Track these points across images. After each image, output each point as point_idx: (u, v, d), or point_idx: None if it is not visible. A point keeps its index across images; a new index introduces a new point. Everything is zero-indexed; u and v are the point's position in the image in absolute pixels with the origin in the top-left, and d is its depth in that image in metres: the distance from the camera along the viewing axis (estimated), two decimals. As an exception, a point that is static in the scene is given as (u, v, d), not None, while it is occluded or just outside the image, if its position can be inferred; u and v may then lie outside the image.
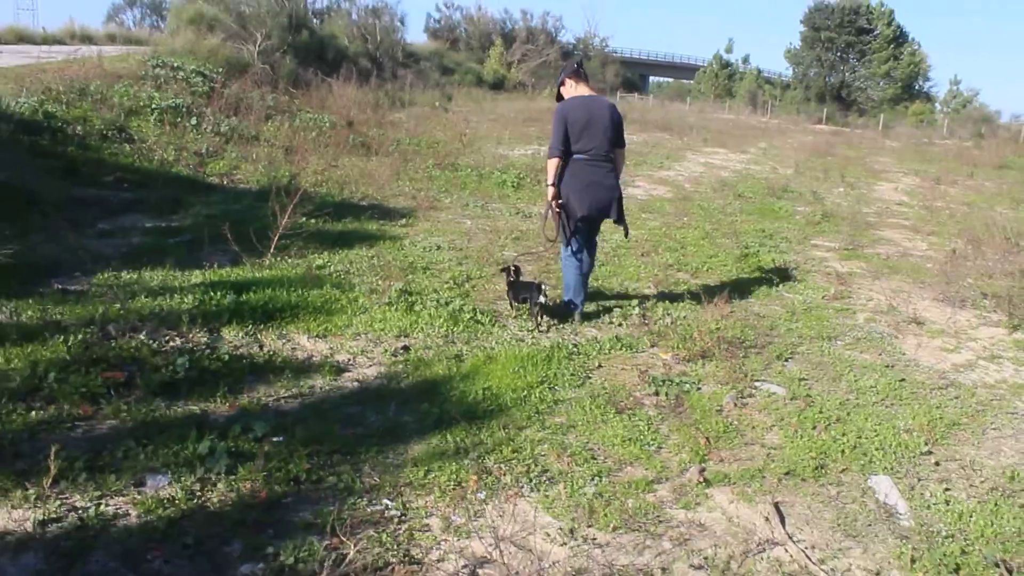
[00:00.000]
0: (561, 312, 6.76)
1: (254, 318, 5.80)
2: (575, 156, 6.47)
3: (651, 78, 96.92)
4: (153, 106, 13.42)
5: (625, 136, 6.78)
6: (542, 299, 6.38)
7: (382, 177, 12.35)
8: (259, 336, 5.59)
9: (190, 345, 5.18)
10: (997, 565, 3.60)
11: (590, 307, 6.98)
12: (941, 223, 13.61)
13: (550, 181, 6.53)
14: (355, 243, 8.32)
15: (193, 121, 13.52)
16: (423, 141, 16.89)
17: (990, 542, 3.86)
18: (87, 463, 3.69)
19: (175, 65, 16.65)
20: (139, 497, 3.50)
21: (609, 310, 7.00)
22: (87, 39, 26.18)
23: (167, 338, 5.25)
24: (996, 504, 4.22)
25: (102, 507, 3.41)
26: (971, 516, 4.09)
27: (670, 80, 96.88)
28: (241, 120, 14.67)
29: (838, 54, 65.51)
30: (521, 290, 6.55)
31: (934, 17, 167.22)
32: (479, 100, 33.15)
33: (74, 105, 12.23)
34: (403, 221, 9.81)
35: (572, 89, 6.70)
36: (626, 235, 7.27)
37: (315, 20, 37.57)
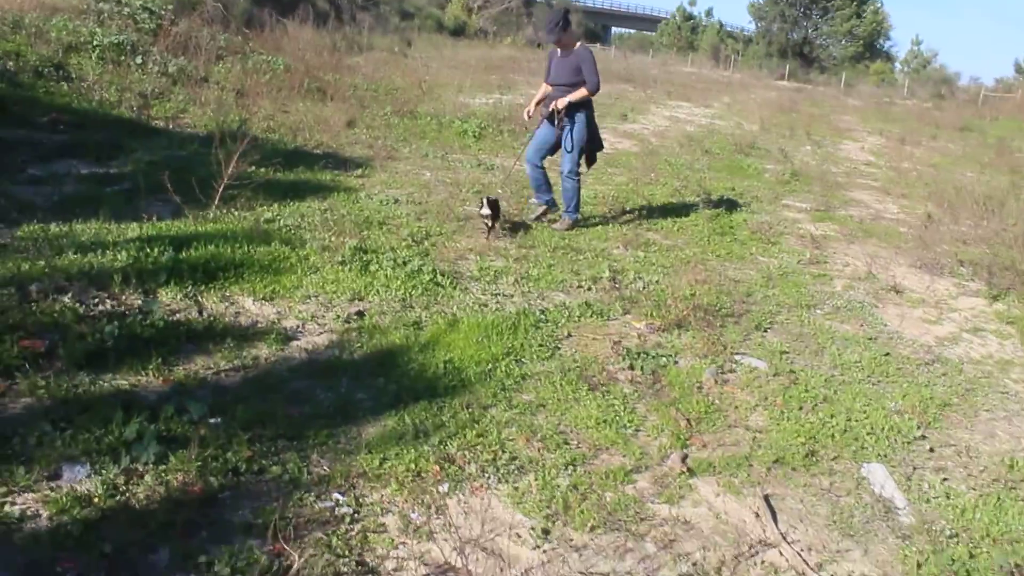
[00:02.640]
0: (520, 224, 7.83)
1: (194, 278, 5.27)
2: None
3: (613, 29, 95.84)
4: (95, 43, 12.57)
5: None
6: (486, 211, 7.13)
7: (338, 124, 11.74)
8: (199, 298, 5.08)
9: (121, 309, 4.67)
10: (1012, 573, 3.28)
11: (560, 271, 6.59)
12: (910, 185, 13.35)
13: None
14: (307, 195, 7.78)
15: (138, 60, 12.72)
16: (381, 87, 16.24)
17: (997, 542, 3.55)
18: (-8, 452, 3.22)
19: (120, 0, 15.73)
20: (52, 494, 3.03)
21: (577, 272, 6.60)
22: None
23: (96, 300, 4.73)
24: (999, 498, 3.91)
25: (7, 507, 2.93)
26: (974, 512, 3.78)
27: (632, 32, 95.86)
28: (190, 60, 13.84)
29: (801, 10, 65.03)
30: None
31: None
32: (439, 46, 32.18)
33: (6, 38, 11.41)
34: (359, 172, 9.27)
35: (573, 38, 7.78)
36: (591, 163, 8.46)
37: (271, -42, 36.31)
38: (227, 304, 5.09)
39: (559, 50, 7.71)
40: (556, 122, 7.68)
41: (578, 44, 7.76)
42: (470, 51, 31.36)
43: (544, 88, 7.94)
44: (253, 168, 7.64)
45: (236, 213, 6.81)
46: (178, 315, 4.77)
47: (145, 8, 15.68)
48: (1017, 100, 34.97)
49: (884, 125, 23.94)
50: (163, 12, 15.93)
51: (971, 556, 3.41)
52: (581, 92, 7.57)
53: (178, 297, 5.02)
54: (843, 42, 64.28)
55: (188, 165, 7.88)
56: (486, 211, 7.14)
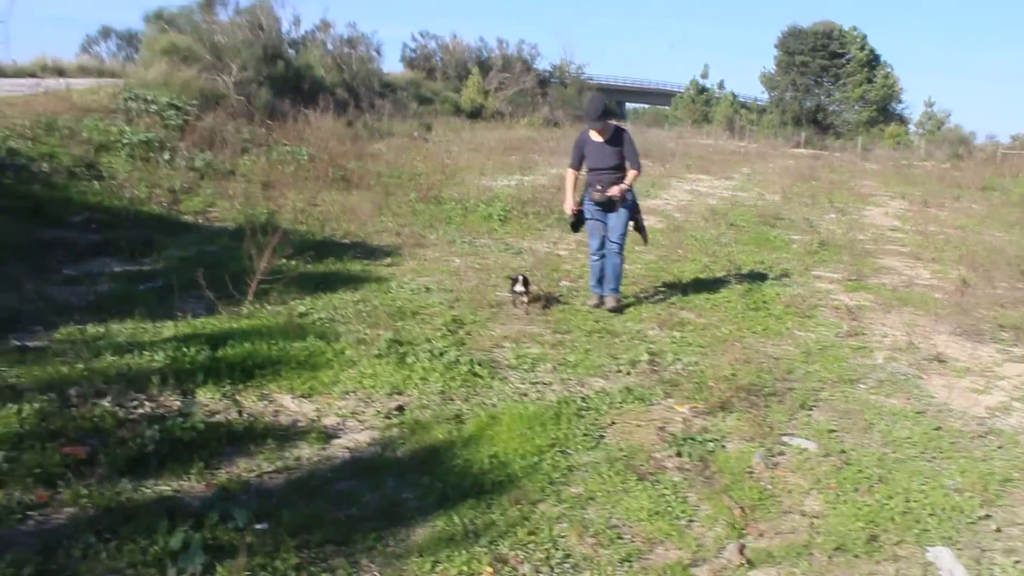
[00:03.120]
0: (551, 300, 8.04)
1: (232, 376, 5.25)
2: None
3: (627, 105, 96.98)
4: (124, 140, 12.89)
5: None
6: (519, 287, 7.56)
7: (364, 212, 11.84)
8: (238, 397, 5.05)
9: (161, 411, 4.64)
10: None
11: (598, 356, 6.52)
12: (939, 249, 13.25)
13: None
14: (339, 286, 7.79)
15: (166, 156, 12.99)
16: (404, 173, 16.41)
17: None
18: (37, 568, 3.13)
19: (148, 98, 16.06)
20: (98, 613, 2.97)
21: (615, 356, 6.52)
22: (58, 71, 25.41)
23: (135, 403, 4.72)
24: (1077, 582, 3.75)
25: (53, 628, 2.86)
26: (1052, 599, 3.62)
27: (646, 106, 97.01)
28: (216, 154, 14.13)
29: (812, 78, 65.58)
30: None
31: (905, 39, 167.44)
32: (458, 129, 32.63)
33: (40, 141, 11.69)
34: (388, 260, 9.30)
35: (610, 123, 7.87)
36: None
37: (290, 51, 37.12)
38: (266, 403, 5.05)
39: (592, 134, 7.75)
40: (614, 207, 7.81)
41: (614, 127, 7.88)
42: (488, 133, 31.74)
43: (573, 175, 7.95)
44: (284, 261, 7.66)
45: (270, 308, 6.82)
46: (218, 416, 4.73)
47: (171, 105, 16.07)
48: (1036, 158, 34.84)
49: (905, 188, 23.91)
50: (189, 108, 16.30)
51: (1054, 647, 3.25)
52: (633, 174, 7.82)
53: (216, 396, 5.00)
54: (856, 107, 64.65)
55: (220, 260, 7.94)
56: (520, 287, 7.55)
